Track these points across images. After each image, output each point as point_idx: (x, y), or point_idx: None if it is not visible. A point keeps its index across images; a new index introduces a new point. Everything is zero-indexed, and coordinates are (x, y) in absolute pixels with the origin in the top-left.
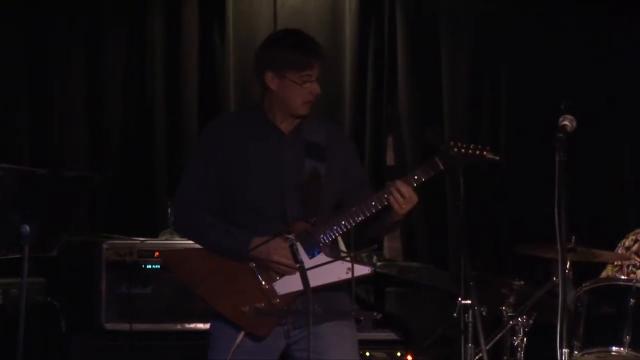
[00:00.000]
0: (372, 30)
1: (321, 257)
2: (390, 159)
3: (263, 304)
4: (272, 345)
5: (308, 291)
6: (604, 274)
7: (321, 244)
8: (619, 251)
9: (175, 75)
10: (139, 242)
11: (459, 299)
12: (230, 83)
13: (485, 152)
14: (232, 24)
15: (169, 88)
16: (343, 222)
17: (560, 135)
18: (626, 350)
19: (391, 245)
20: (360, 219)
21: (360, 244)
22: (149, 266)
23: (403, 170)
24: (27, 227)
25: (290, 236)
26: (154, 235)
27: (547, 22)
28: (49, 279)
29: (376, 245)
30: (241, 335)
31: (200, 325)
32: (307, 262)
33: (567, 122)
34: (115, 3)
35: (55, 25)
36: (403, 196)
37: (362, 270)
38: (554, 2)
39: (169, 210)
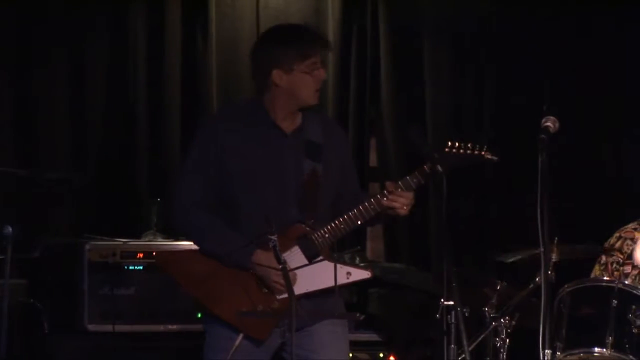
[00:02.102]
0: (355, 32)
1: (323, 262)
2: (373, 160)
3: (262, 308)
4: (268, 345)
5: (291, 294)
6: (592, 275)
7: (320, 248)
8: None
9: (158, 76)
10: (121, 243)
11: (442, 300)
12: (213, 84)
13: (483, 152)
14: (215, 25)
15: (151, 89)
16: (342, 227)
17: (543, 136)
18: (609, 351)
19: (374, 246)
20: (359, 222)
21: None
22: (131, 267)
23: (386, 172)
24: (10, 228)
25: (272, 237)
26: (137, 236)
27: (529, 23)
28: (31, 280)
29: (359, 247)
30: (240, 337)
31: (183, 326)
32: (308, 266)
33: (550, 123)
34: (98, 3)
35: (37, 25)
36: (405, 202)
37: (361, 274)
38: (536, 3)
39: (153, 210)
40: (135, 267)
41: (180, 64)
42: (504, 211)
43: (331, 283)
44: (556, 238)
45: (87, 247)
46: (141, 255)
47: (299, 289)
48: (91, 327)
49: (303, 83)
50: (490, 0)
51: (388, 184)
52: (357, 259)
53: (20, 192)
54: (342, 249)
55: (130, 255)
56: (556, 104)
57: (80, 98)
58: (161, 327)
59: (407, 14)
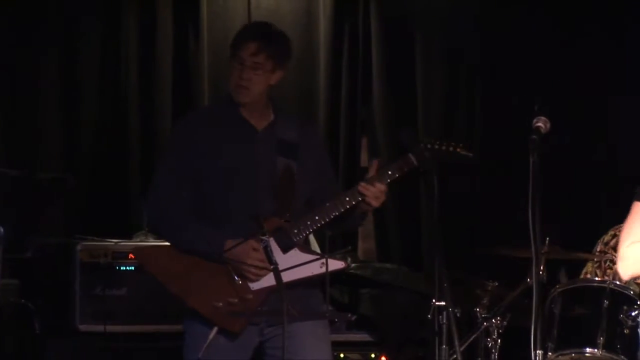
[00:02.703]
0: (347, 32)
1: (295, 253)
2: (364, 160)
3: (237, 300)
4: (246, 343)
5: (282, 292)
6: (584, 272)
7: (295, 240)
8: (598, 247)
9: (150, 76)
10: (113, 243)
11: (433, 300)
12: (205, 84)
13: (458, 149)
14: (207, 25)
15: (143, 88)
16: (317, 218)
17: (534, 136)
18: (600, 352)
19: (365, 246)
20: (334, 214)
21: (333, 236)
22: (123, 268)
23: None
24: (1, 229)
25: (264, 237)
26: (128, 237)
27: (521, 22)
28: (22, 280)
29: (350, 247)
30: (214, 331)
31: (175, 327)
32: (282, 259)
33: (541, 123)
34: (90, 3)
35: (30, 25)
36: (376, 192)
37: (336, 264)
38: (527, 2)
39: (144, 211)
40: (127, 268)
41: (172, 64)
42: (496, 211)
43: (307, 273)
44: (547, 238)
45: (79, 247)
46: (132, 256)
47: (274, 280)
48: (83, 328)
49: (230, 72)
50: None
51: (375, 163)
52: (349, 259)
53: (12, 192)
54: (333, 249)
55: (122, 255)
56: (550, 102)
57: (72, 98)
58: (152, 328)
59: (399, 15)
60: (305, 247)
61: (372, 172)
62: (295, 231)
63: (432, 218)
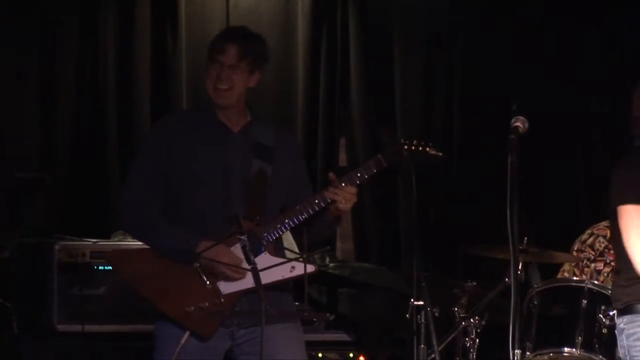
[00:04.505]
0: (325, 32)
1: (265, 256)
2: (342, 160)
3: (207, 304)
4: (216, 347)
5: (260, 292)
6: (561, 270)
7: (265, 243)
8: (576, 246)
9: (128, 75)
10: (91, 243)
11: (412, 300)
12: (183, 83)
13: (427, 149)
14: (185, 24)
15: (121, 88)
16: (287, 221)
17: (512, 136)
18: (578, 351)
19: (344, 246)
20: (304, 217)
21: (312, 244)
22: (101, 267)
23: None
24: None
25: (242, 237)
26: (107, 236)
27: (499, 22)
28: (0, 280)
29: (328, 247)
30: (186, 335)
31: (152, 327)
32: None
33: (519, 123)
34: (68, 2)
35: (7, 23)
36: (346, 195)
37: (307, 268)
38: (506, 2)
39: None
40: (105, 268)
41: (149, 62)
42: (474, 211)
43: (276, 278)
44: (525, 238)
45: (57, 247)
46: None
47: (246, 284)
48: (60, 328)
49: (207, 75)
50: None
51: (331, 175)
52: (327, 258)
53: None
54: (312, 249)
55: (100, 255)
56: (526, 103)
57: (50, 97)
58: (131, 327)
59: (377, 14)
60: (276, 251)
61: (332, 180)
62: (265, 234)
63: (410, 218)
